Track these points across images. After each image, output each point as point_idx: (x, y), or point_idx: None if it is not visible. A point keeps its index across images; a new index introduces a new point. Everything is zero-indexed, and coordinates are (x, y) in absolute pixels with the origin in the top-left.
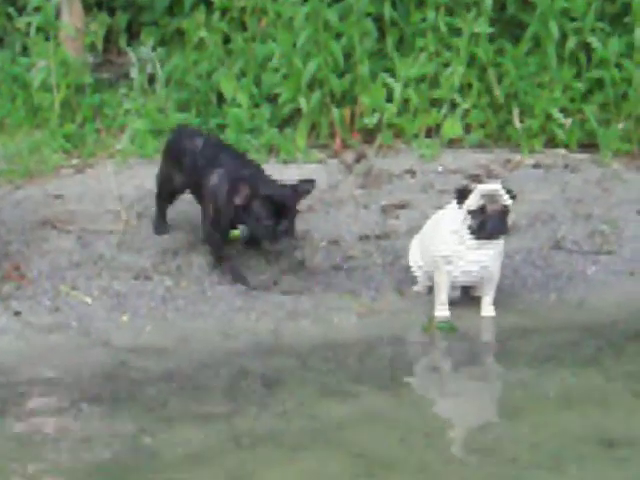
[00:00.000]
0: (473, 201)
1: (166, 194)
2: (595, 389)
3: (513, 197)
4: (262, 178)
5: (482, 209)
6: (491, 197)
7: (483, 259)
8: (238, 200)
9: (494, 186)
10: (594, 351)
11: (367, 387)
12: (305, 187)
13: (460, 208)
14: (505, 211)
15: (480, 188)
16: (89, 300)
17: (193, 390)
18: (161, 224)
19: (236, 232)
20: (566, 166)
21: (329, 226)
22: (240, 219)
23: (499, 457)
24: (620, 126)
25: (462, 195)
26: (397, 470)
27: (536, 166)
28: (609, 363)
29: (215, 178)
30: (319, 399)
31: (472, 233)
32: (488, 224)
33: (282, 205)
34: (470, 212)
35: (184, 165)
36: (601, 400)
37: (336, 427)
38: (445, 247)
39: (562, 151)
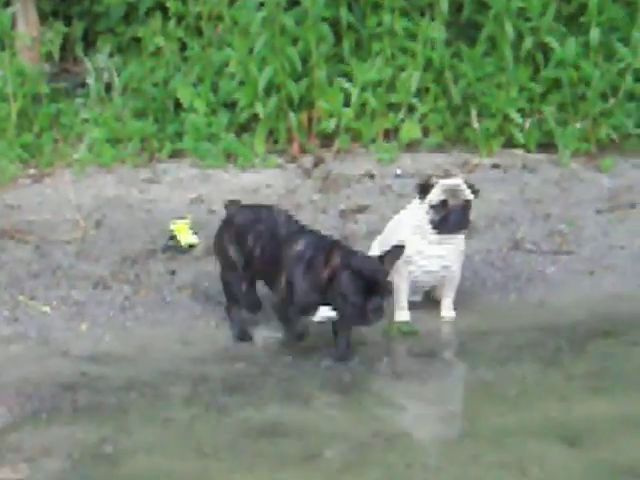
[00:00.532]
0: (435, 196)
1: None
2: (556, 388)
3: (475, 192)
4: (349, 249)
5: (444, 203)
6: (453, 192)
7: (445, 255)
8: (325, 272)
9: (456, 181)
10: (554, 351)
11: (328, 392)
12: (394, 255)
13: (422, 203)
14: (467, 206)
15: (442, 183)
16: (48, 310)
17: (153, 398)
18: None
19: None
20: (524, 167)
21: None
22: (324, 295)
23: (462, 457)
24: (578, 126)
25: (424, 190)
26: (360, 474)
27: (494, 167)
28: (569, 362)
29: (299, 246)
30: (280, 405)
31: (434, 227)
32: (450, 218)
33: (373, 280)
34: (432, 206)
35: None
36: (562, 399)
37: (297, 433)
38: (407, 246)
39: (520, 152)
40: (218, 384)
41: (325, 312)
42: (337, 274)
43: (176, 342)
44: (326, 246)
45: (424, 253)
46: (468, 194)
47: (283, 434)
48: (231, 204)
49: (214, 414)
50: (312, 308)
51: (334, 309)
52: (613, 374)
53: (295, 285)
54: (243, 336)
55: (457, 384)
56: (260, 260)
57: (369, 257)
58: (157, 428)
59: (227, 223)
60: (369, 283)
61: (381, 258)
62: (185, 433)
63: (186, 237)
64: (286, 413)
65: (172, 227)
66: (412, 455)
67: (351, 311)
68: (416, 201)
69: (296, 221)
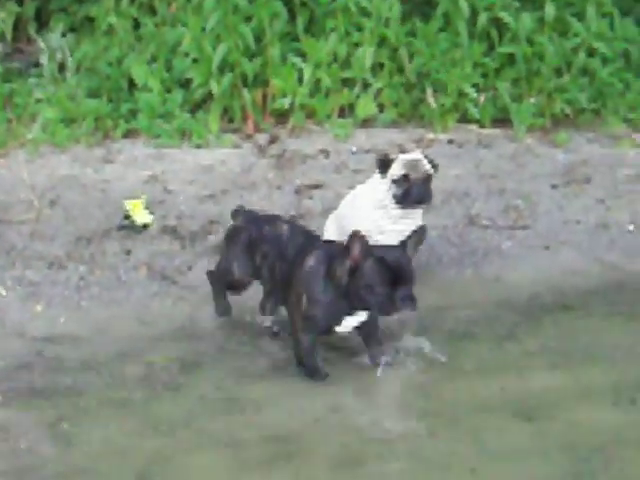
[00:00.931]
0: (396, 170)
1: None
2: (512, 363)
3: (434, 166)
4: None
5: (405, 177)
6: (413, 165)
7: (405, 230)
8: (347, 265)
9: (416, 155)
10: (511, 325)
11: (284, 370)
12: (416, 240)
13: (383, 178)
14: (428, 179)
15: (402, 157)
16: (3, 291)
17: (110, 377)
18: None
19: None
20: (479, 142)
21: None
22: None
23: (418, 433)
24: (532, 101)
25: (384, 165)
26: (314, 452)
27: (449, 143)
28: (525, 337)
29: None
30: (236, 383)
31: (397, 202)
32: (412, 191)
33: (398, 268)
34: (394, 181)
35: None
36: (518, 374)
37: (254, 410)
38: (367, 222)
39: (475, 127)
40: (175, 363)
41: (351, 322)
42: (359, 265)
43: (132, 321)
44: (337, 251)
45: (385, 228)
46: (429, 168)
47: (240, 411)
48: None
49: (171, 392)
50: (337, 320)
51: (361, 308)
52: (569, 348)
53: (317, 301)
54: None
55: (413, 360)
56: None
57: (390, 246)
58: (114, 407)
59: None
60: (394, 271)
61: (403, 244)
62: (142, 412)
63: (141, 216)
64: (243, 390)
65: (127, 206)
66: (368, 431)
67: (379, 302)
68: (376, 176)
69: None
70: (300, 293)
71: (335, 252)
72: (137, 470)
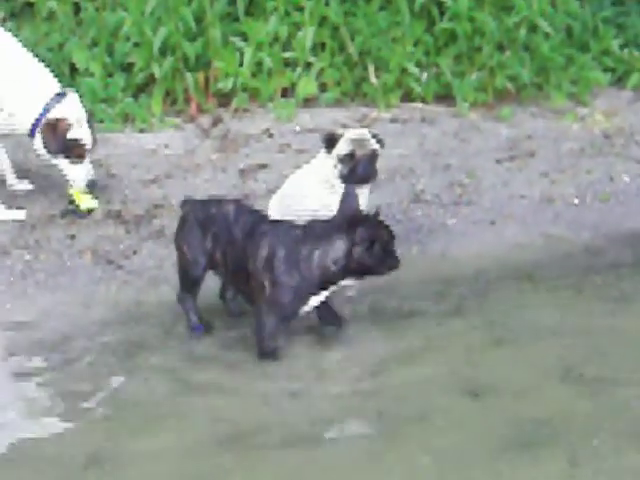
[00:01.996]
0: (342, 147)
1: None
2: (459, 339)
3: (380, 142)
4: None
5: (351, 154)
6: (360, 142)
7: None
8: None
9: (362, 131)
10: (457, 301)
11: (232, 350)
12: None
13: (329, 155)
14: (374, 155)
15: (348, 134)
16: None
17: (57, 363)
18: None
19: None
20: (423, 119)
21: (187, 191)
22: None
23: (366, 413)
24: (474, 77)
25: (330, 142)
26: (262, 433)
27: (393, 121)
28: (472, 312)
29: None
30: (183, 366)
31: (343, 179)
32: (358, 169)
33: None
34: (340, 158)
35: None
36: (465, 350)
37: (200, 393)
38: (312, 201)
39: (419, 105)
40: (121, 347)
41: (314, 301)
42: (360, 229)
43: (78, 306)
44: (296, 233)
45: (330, 206)
46: (374, 144)
47: (186, 395)
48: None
49: (116, 377)
50: (305, 302)
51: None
52: (516, 323)
53: (284, 286)
54: (206, 326)
55: (360, 339)
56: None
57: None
58: (59, 395)
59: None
60: (389, 231)
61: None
62: (88, 398)
63: (85, 201)
64: (190, 373)
65: (70, 191)
66: (316, 411)
67: (385, 257)
68: (322, 154)
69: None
70: (262, 279)
71: (290, 233)
72: (87, 454)
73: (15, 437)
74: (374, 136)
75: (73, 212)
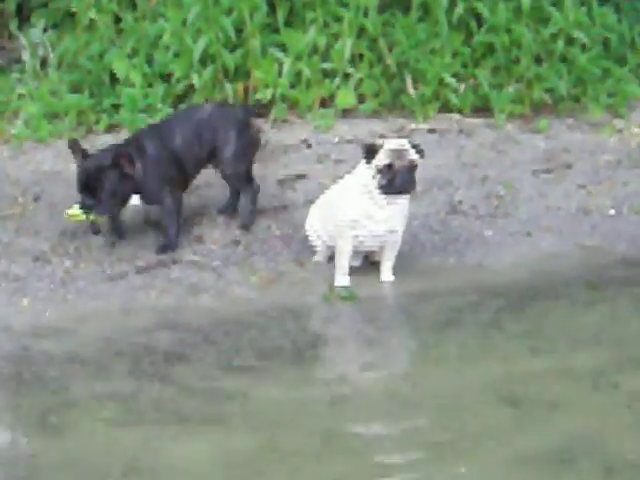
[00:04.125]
0: (381, 158)
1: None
2: (495, 349)
3: (420, 152)
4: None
5: (390, 166)
6: (399, 153)
7: (391, 218)
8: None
9: (401, 142)
10: (493, 312)
11: (269, 360)
12: None
13: (369, 165)
14: (413, 166)
15: (388, 145)
16: None
17: (96, 370)
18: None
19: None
20: (461, 131)
21: (226, 201)
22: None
23: (404, 422)
24: (511, 89)
25: (370, 152)
26: (302, 438)
27: (431, 132)
28: (508, 323)
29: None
30: (222, 374)
31: (381, 189)
32: (397, 180)
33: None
34: (379, 169)
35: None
36: (502, 360)
37: (240, 402)
38: (353, 211)
39: (456, 116)
40: (161, 354)
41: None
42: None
43: (118, 314)
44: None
45: (371, 216)
46: (413, 155)
47: (227, 402)
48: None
49: (157, 384)
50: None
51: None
52: (551, 333)
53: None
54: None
55: (398, 347)
56: None
57: None
58: (101, 399)
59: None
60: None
61: None
62: (129, 403)
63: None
64: (229, 381)
65: (69, 212)
66: (353, 419)
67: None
68: (362, 164)
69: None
70: None
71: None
72: (125, 461)
73: (55, 442)
74: (414, 146)
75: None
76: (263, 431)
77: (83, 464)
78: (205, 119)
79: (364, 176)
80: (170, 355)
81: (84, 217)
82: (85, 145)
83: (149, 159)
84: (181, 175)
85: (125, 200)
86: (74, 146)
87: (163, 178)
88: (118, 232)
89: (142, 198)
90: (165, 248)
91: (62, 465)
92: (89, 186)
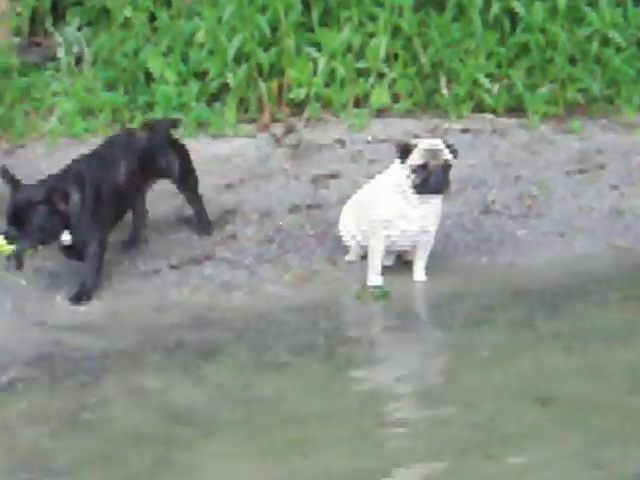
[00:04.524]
0: (415, 157)
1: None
2: (527, 348)
3: (454, 152)
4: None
5: (424, 165)
6: (433, 153)
7: (424, 217)
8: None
9: (435, 142)
10: (526, 312)
11: (302, 357)
12: None
13: (403, 164)
14: (447, 166)
15: (422, 144)
16: (23, 281)
17: (129, 366)
18: None
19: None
20: (494, 131)
21: (260, 199)
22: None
23: (436, 419)
24: (545, 90)
25: (404, 151)
26: (335, 436)
27: (464, 132)
28: (541, 323)
29: None
30: (255, 371)
31: (415, 189)
32: (431, 179)
33: None
34: (413, 169)
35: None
36: (534, 359)
37: (272, 398)
38: (386, 210)
39: (490, 116)
40: (193, 351)
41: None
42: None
43: (150, 310)
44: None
45: (404, 215)
46: (447, 155)
47: (258, 400)
48: None
49: (189, 381)
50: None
51: None
52: (584, 333)
53: None
54: None
55: (430, 347)
56: None
57: None
58: (133, 396)
59: None
60: None
61: None
62: (161, 400)
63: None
64: (261, 379)
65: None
66: (386, 417)
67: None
68: (396, 164)
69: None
70: None
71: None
72: (156, 456)
73: (88, 437)
74: (448, 146)
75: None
76: (295, 428)
77: (115, 458)
78: (145, 145)
79: (398, 175)
80: (202, 352)
81: (9, 248)
82: None
83: (88, 193)
84: (119, 209)
85: (54, 236)
86: (5, 175)
87: (97, 218)
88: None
89: (71, 234)
90: (80, 296)
91: (95, 459)
92: (17, 218)
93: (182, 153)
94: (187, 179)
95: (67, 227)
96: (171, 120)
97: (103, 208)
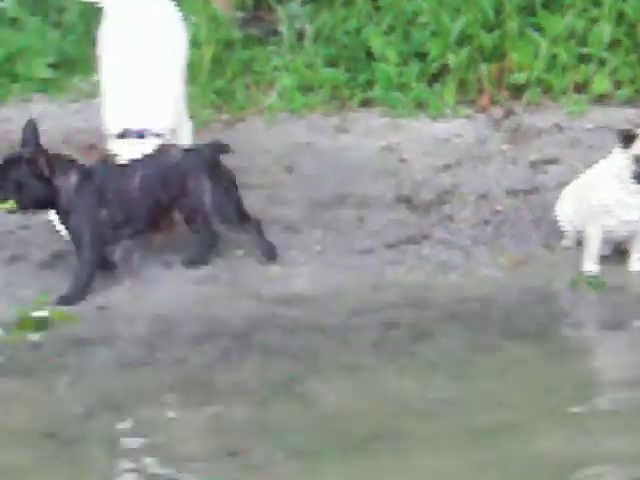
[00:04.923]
0: (639, 146)
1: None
2: None
3: None
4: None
5: None
6: None
7: None
8: None
9: None
10: None
11: (514, 340)
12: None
13: (624, 151)
14: None
15: None
16: (240, 252)
17: (343, 342)
18: None
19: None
20: None
21: (477, 181)
22: None
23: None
24: None
25: (627, 139)
26: (543, 423)
27: None
28: None
29: None
30: (466, 352)
31: (636, 179)
32: None
33: None
34: (636, 158)
35: None
36: None
37: (481, 379)
38: (607, 195)
39: None
40: (406, 331)
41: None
42: None
43: (366, 287)
44: None
45: (624, 203)
46: None
47: (472, 379)
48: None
49: (401, 360)
50: None
51: None
52: None
53: None
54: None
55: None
56: None
57: None
58: (345, 372)
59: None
60: None
61: None
62: (373, 378)
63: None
64: (471, 360)
65: None
66: (598, 405)
67: None
68: (617, 150)
69: None
70: None
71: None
72: (363, 434)
73: (299, 410)
74: None
75: None
76: (505, 411)
77: (326, 433)
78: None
79: (619, 163)
80: (414, 332)
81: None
82: (337, 119)
83: (89, 186)
84: (128, 220)
85: (33, 200)
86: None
87: (92, 217)
88: None
89: (61, 220)
90: (66, 299)
91: (308, 430)
92: (2, 170)
93: (218, 182)
94: (223, 210)
95: (54, 205)
96: (218, 146)
97: (103, 209)
